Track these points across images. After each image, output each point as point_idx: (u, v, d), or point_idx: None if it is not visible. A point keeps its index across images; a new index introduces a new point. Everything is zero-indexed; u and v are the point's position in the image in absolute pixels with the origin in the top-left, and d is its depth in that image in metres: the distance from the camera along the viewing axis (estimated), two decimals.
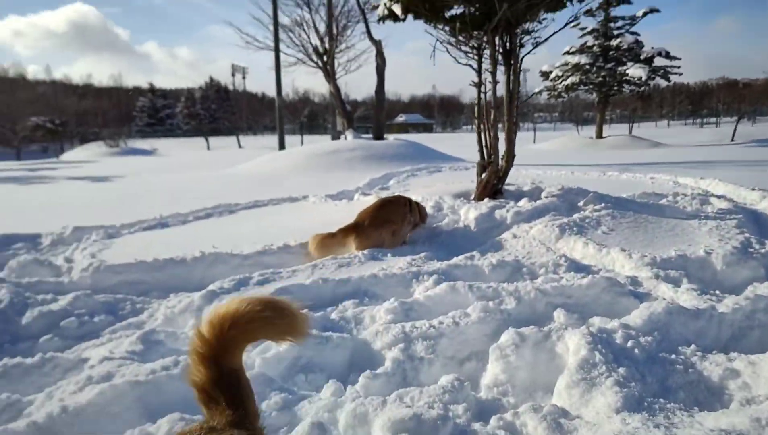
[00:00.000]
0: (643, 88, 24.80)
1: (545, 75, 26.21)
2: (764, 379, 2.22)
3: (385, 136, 15.94)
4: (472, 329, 2.89)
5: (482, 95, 5.68)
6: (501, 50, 5.56)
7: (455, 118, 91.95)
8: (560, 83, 25.09)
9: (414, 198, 5.55)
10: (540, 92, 26.79)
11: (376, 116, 15.58)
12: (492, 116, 5.59)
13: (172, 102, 74.96)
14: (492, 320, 2.94)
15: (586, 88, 25.19)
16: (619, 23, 24.47)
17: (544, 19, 5.74)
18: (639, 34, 24.17)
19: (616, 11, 24.58)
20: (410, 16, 5.64)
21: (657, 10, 23.40)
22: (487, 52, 5.59)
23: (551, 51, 26.84)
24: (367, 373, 2.44)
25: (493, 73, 5.52)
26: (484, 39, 5.55)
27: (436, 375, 2.53)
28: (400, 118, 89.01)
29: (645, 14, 23.67)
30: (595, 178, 9.39)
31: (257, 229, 5.61)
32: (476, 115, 5.75)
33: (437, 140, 36.15)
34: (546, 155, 19.06)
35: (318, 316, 3.13)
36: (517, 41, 5.55)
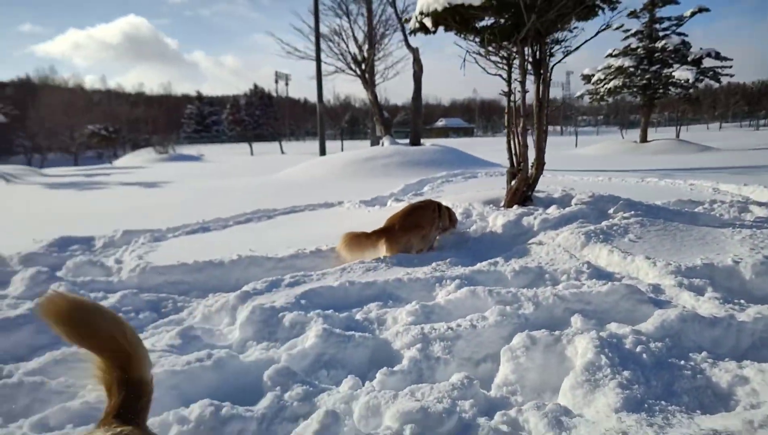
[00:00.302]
0: (690, 91, 23.97)
1: (587, 78, 25.73)
2: None
3: (422, 142, 16.10)
4: (489, 332, 3.01)
5: (512, 104, 5.75)
6: (530, 60, 5.64)
7: (496, 122, 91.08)
8: (602, 86, 24.59)
9: (444, 203, 5.68)
10: (582, 96, 26.30)
11: (414, 122, 15.74)
12: (521, 125, 5.66)
13: (218, 109, 77.54)
14: (509, 324, 3.05)
15: (630, 91, 24.55)
16: (665, 24, 23.80)
17: (575, 28, 5.78)
18: (686, 35, 23.43)
19: (661, 12, 23.94)
20: (441, 29, 5.79)
21: (707, 9, 22.62)
22: (516, 61, 5.68)
23: (594, 53, 26.32)
24: (384, 370, 2.60)
25: (522, 83, 5.60)
26: (514, 49, 5.64)
27: (450, 374, 2.66)
28: (440, 123, 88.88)
29: (693, 14, 22.92)
30: (632, 185, 9.24)
31: (293, 233, 5.87)
32: (506, 123, 5.84)
33: (476, 144, 35.97)
34: (587, 160, 18.74)
35: (343, 317, 3.32)
36: (547, 50, 5.61)
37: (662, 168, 13.14)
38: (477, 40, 5.77)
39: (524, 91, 5.61)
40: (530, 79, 5.74)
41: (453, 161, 13.28)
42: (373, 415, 2.19)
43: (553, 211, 5.37)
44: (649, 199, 6.60)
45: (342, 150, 27.52)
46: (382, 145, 15.21)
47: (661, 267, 3.89)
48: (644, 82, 23.72)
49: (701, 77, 22.96)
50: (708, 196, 7.08)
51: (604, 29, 5.73)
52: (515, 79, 5.70)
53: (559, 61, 5.77)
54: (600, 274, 4.02)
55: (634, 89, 24.46)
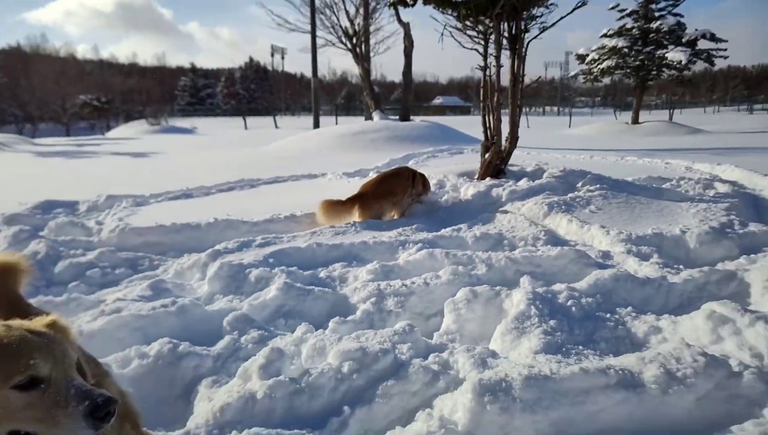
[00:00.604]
0: (683, 73, 23.97)
1: (581, 58, 25.66)
2: (680, 334, 2.48)
3: (412, 117, 16.16)
4: (441, 289, 3.22)
5: (488, 78, 5.89)
6: (506, 35, 5.75)
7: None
8: (596, 67, 24.53)
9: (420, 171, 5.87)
10: (576, 76, 26.29)
11: (404, 98, 15.77)
12: (495, 99, 5.81)
13: (213, 82, 76.72)
14: (460, 283, 3.25)
15: (623, 72, 24.52)
16: (661, 4, 23.63)
17: (551, 4, 5.87)
18: (682, 16, 23.31)
19: None
20: (420, 2, 5.88)
21: None
22: (493, 37, 5.78)
23: (593, 33, 26.14)
24: (337, 319, 2.82)
25: (497, 58, 5.72)
26: (490, 24, 5.75)
27: None
28: (438, 101, 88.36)
29: None
30: (610, 163, 9.42)
31: (272, 201, 6.05)
32: (481, 98, 5.98)
33: (471, 123, 35.87)
34: (578, 140, 18.85)
35: (307, 274, 3.53)
36: (522, 26, 5.72)
37: (647, 148, 13.30)
38: (454, 14, 5.87)
39: (499, 66, 5.74)
40: (506, 55, 5.87)
41: (441, 137, 13.40)
42: (319, 355, 2.41)
43: (522, 184, 5.56)
44: (621, 175, 6.78)
45: (336, 125, 27.51)
46: (372, 119, 15.30)
47: (614, 235, 4.10)
48: (637, 63, 23.67)
49: (694, 59, 22.94)
50: (679, 174, 7.27)
51: (580, 6, 5.83)
52: (491, 54, 5.83)
53: (535, 37, 5.90)
54: (556, 241, 4.23)
55: (628, 70, 24.42)
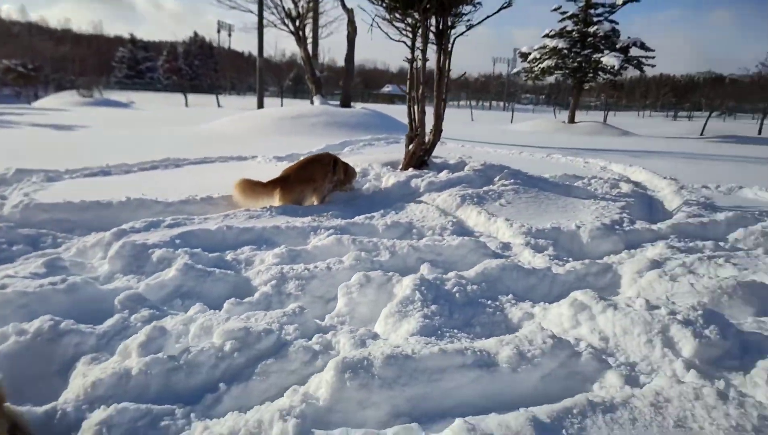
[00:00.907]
0: (616, 77, 25.22)
1: (524, 56, 26.45)
2: (548, 320, 2.72)
3: (354, 104, 16.18)
4: (342, 274, 3.34)
5: (414, 71, 6.03)
6: (434, 30, 5.91)
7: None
8: (537, 66, 25.38)
9: (345, 160, 5.96)
10: (518, 73, 27.06)
11: (345, 84, 15.76)
12: (420, 92, 5.97)
13: (154, 55, 73.24)
14: (361, 268, 3.38)
15: (562, 72, 25.50)
16: (599, 10, 24.71)
17: (478, 2, 6.07)
18: (617, 23, 24.46)
19: None
20: None
21: (636, 0, 23.67)
22: (421, 30, 5.92)
23: (540, 31, 26.88)
24: (232, 300, 2.88)
25: (423, 51, 5.87)
26: (419, 18, 5.88)
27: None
28: (387, 89, 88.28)
29: (625, 2, 23.91)
30: (536, 159, 9.86)
31: (194, 182, 5.96)
32: (407, 90, 6.12)
33: None
34: (516, 136, 19.50)
35: (213, 256, 3.55)
36: (449, 23, 5.89)
37: (576, 147, 13.97)
38: (383, 5, 5.97)
39: (425, 60, 5.89)
40: (434, 49, 6.03)
41: (381, 126, 13.53)
42: (206, 334, 2.47)
43: (442, 176, 5.76)
44: (541, 171, 7.15)
45: (282, 107, 27.04)
46: (312, 104, 15.19)
47: (516, 228, 4.36)
48: (575, 64, 24.69)
49: (626, 65, 24.17)
50: (593, 173, 7.73)
51: (505, 7, 6.06)
52: (418, 47, 5.97)
53: (461, 34, 6.09)
54: (464, 231, 4.45)
55: (566, 71, 25.42)
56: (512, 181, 5.73)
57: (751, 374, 2.25)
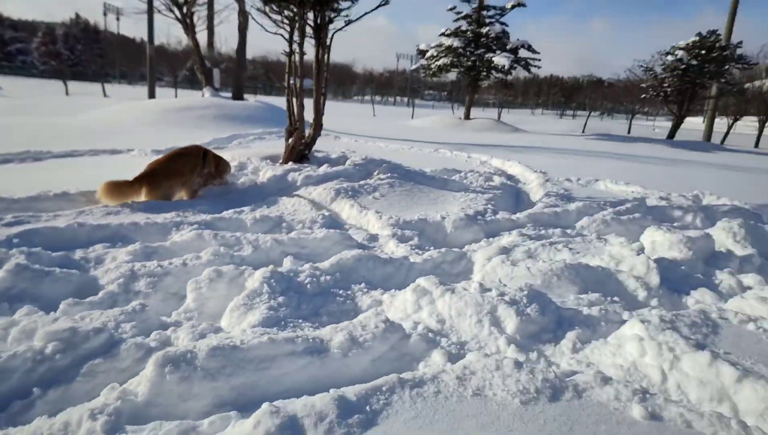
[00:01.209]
0: (507, 77, 26.71)
1: (422, 53, 27.20)
2: (395, 306, 2.85)
3: (245, 97, 15.75)
4: (198, 270, 3.25)
5: (292, 65, 6.01)
6: (312, 24, 5.91)
7: (348, 87, 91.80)
8: (434, 63, 26.21)
9: (225, 156, 5.81)
10: (417, 70, 27.77)
11: (237, 75, 15.28)
12: (298, 85, 5.95)
13: (26, 36, 66.01)
14: (220, 263, 3.33)
15: (458, 70, 26.56)
16: (491, 12, 25.99)
17: None
18: (507, 25, 25.87)
19: (489, 0, 26.07)
20: None
21: (523, 5, 25.21)
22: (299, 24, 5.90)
23: (441, 29, 27.70)
24: (69, 301, 2.72)
25: (301, 45, 5.87)
26: (296, 11, 5.86)
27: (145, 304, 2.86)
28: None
29: (513, 7, 25.37)
30: (424, 154, 10.22)
31: (52, 177, 5.52)
32: (286, 83, 6.08)
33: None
34: (414, 131, 20.02)
35: (57, 255, 3.31)
36: (327, 17, 5.92)
37: (467, 142, 14.64)
38: None
39: (302, 53, 5.89)
40: (312, 43, 6.04)
41: (273, 119, 13.29)
42: (27, 337, 2.31)
43: (321, 170, 5.80)
44: (424, 166, 7.43)
45: (176, 98, 25.62)
46: (203, 96, 14.57)
47: (385, 220, 4.50)
48: (470, 63, 25.82)
49: (515, 65, 25.68)
50: (472, 167, 8.18)
51: (384, 4, 6.20)
52: (296, 41, 5.95)
53: (340, 29, 6.15)
54: (335, 224, 4.52)
55: (462, 69, 26.51)
56: (389, 175, 5.90)
57: (560, 344, 2.52)
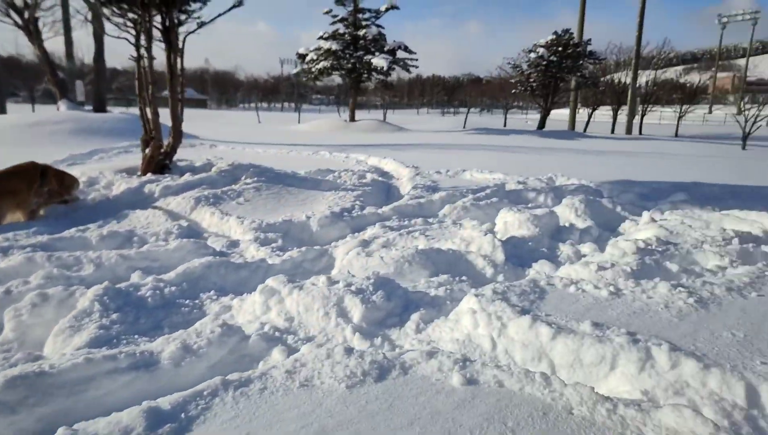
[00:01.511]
0: (388, 78, 27.38)
1: (302, 57, 27.04)
2: (244, 310, 2.78)
3: (110, 109, 14.63)
4: (27, 296, 2.95)
5: (142, 70, 5.66)
6: (160, 27, 5.61)
7: (231, 96, 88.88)
8: (314, 66, 26.18)
9: (76, 172, 5.34)
10: (298, 74, 27.61)
11: (96, 86, 14.08)
12: (150, 92, 5.63)
13: None
14: (53, 286, 3.03)
15: (339, 73, 26.76)
16: (366, 15, 26.49)
17: (208, 0, 5.95)
18: (383, 27, 26.52)
19: (364, 3, 26.53)
20: None
21: (396, 7, 26.00)
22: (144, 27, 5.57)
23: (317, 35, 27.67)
24: None
25: (148, 49, 5.55)
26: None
27: None
28: (166, 92, 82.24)
29: (387, 9, 26.06)
30: (301, 157, 10.16)
31: None
32: (137, 90, 5.73)
33: (202, 117, 34.61)
34: (300, 136, 19.84)
35: None
36: (176, 19, 5.66)
37: (350, 144, 14.77)
38: None
39: (151, 58, 5.57)
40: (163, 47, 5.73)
41: (140, 132, 12.45)
42: None
43: (183, 179, 5.53)
44: (299, 168, 7.36)
45: (33, 113, 23.10)
46: (58, 109, 13.28)
47: (247, 225, 4.39)
48: (350, 65, 26.10)
49: (394, 66, 26.41)
50: (348, 166, 8.26)
51: (237, 6, 6.05)
52: (142, 45, 5.62)
53: (193, 32, 5.91)
54: (193, 233, 4.32)
55: (343, 72, 26.73)
56: (256, 179, 5.78)
57: (405, 327, 2.61)
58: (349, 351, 2.02)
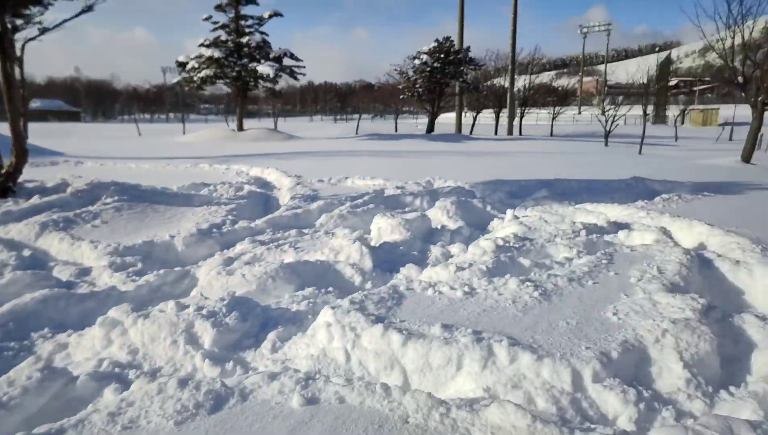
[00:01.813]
0: (275, 85, 26.90)
1: (182, 65, 25.73)
2: (82, 346, 2.52)
3: None
4: None
5: None
6: None
7: (109, 107, 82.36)
8: (196, 75, 25.04)
9: None
10: (178, 83, 26.31)
11: None
12: None
13: None
14: None
15: (224, 81, 25.84)
16: (249, 22, 25.84)
17: (50, 4, 5.41)
18: (267, 34, 26.01)
19: (245, 9, 25.86)
20: None
21: (280, 14, 25.71)
22: None
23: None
24: None
25: None
26: None
27: None
28: (35, 104, 74.53)
29: (270, 16, 25.63)
30: (178, 171, 9.62)
31: None
32: None
33: (72, 132, 31.84)
34: (184, 147, 18.81)
35: None
36: (10, 24, 5.08)
37: (235, 154, 14.28)
38: None
39: None
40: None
41: None
42: None
43: (30, 202, 4.98)
44: (169, 183, 6.93)
45: None
46: None
47: (101, 249, 4.03)
48: (235, 73, 25.30)
49: (281, 73, 26.00)
50: (226, 179, 7.96)
51: (87, 11, 5.56)
52: None
53: (34, 39, 5.35)
54: (36, 263, 3.89)
55: (228, 80, 25.84)
56: (117, 198, 5.35)
57: (261, 347, 2.51)
58: (183, 383, 1.89)
